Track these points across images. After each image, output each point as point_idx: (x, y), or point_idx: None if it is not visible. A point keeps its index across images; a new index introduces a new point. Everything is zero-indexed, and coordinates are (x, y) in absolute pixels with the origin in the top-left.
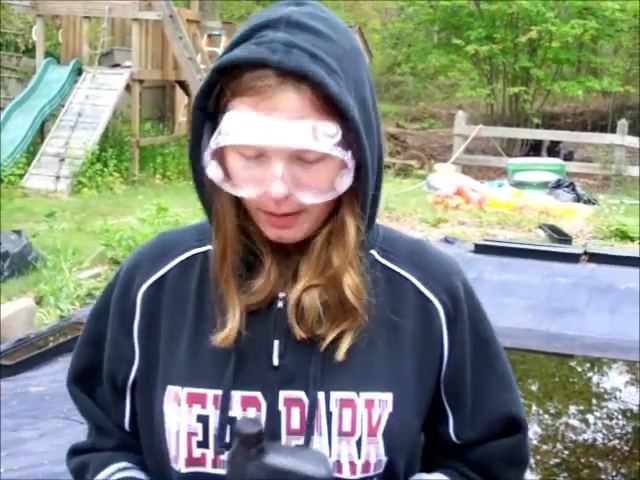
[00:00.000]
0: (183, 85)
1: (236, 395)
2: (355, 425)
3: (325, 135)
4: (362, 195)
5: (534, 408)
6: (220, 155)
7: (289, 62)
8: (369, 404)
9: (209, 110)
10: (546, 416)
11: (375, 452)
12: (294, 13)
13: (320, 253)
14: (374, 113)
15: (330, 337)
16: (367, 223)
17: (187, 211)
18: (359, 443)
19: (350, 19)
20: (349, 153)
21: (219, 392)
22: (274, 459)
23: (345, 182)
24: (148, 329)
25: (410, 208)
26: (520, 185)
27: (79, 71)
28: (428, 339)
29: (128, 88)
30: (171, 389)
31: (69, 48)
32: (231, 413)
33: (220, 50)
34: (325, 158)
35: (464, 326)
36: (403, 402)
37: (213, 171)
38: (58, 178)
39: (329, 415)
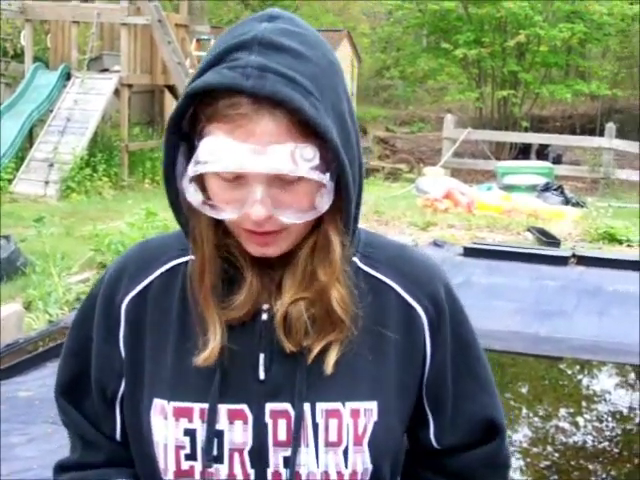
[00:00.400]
0: (172, 90)
1: (222, 408)
2: (341, 435)
3: (303, 159)
4: (345, 213)
5: (524, 411)
6: (199, 178)
7: (263, 88)
8: (354, 414)
9: (183, 130)
10: (536, 419)
11: (362, 461)
12: (267, 32)
13: (305, 266)
14: (353, 128)
15: (317, 349)
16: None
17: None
18: (346, 453)
19: (339, 23)
20: (327, 175)
21: (205, 406)
22: None
23: (325, 201)
24: (133, 340)
25: (399, 212)
26: (509, 188)
27: (68, 76)
28: (411, 346)
29: (117, 93)
30: (157, 402)
31: (58, 53)
32: (218, 426)
33: None
34: (304, 178)
35: (446, 331)
36: (387, 410)
37: (192, 195)
38: (47, 183)
39: (315, 426)
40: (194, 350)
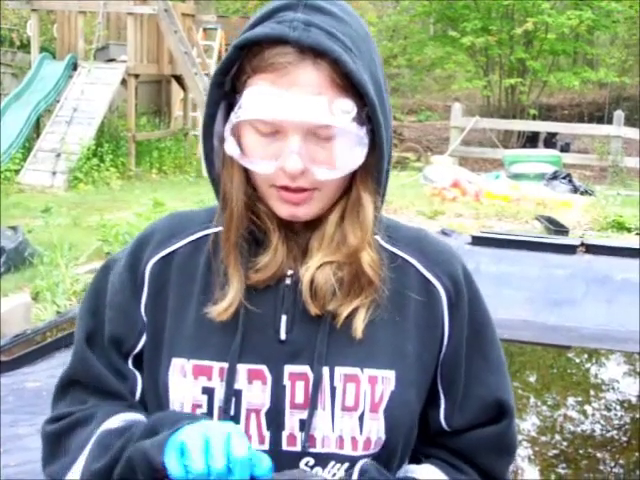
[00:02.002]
0: (179, 79)
1: (242, 368)
2: (358, 400)
3: (342, 111)
4: (378, 171)
5: (532, 399)
6: (236, 132)
7: (308, 39)
8: (372, 380)
9: (226, 89)
10: (544, 407)
11: (376, 429)
12: None
13: (334, 231)
14: (386, 92)
15: (344, 313)
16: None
17: (184, 205)
18: (361, 419)
19: None
20: (364, 129)
21: (225, 365)
22: None
23: (359, 158)
24: (155, 303)
25: (407, 200)
26: (517, 177)
27: (74, 66)
28: (430, 321)
29: (124, 83)
30: (177, 361)
31: (64, 43)
32: (236, 386)
33: (216, 44)
34: (340, 135)
35: (464, 311)
36: (405, 381)
37: (231, 147)
38: (54, 173)
39: (333, 390)
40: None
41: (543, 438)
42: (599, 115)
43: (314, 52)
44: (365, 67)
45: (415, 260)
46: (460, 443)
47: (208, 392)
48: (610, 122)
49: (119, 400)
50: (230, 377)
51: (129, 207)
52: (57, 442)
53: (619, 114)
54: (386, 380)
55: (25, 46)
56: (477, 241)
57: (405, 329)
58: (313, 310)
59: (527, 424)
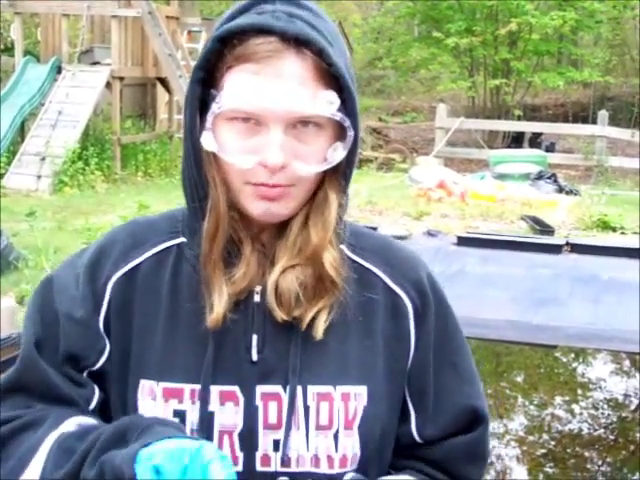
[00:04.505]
0: (164, 82)
1: (214, 390)
2: (332, 418)
3: (326, 101)
4: (349, 168)
5: (520, 399)
6: (213, 127)
7: (293, 28)
8: (345, 397)
9: (205, 83)
10: (532, 407)
11: (351, 446)
12: None
13: (298, 233)
14: (356, 92)
15: (309, 316)
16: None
17: (169, 207)
18: (336, 437)
19: (330, 14)
20: (348, 121)
21: (196, 386)
22: None
23: (339, 154)
24: (119, 322)
25: (392, 202)
26: (502, 177)
27: (59, 69)
28: (397, 333)
29: (108, 86)
30: (145, 383)
31: (48, 46)
32: (209, 407)
33: (199, 46)
34: (320, 130)
35: (430, 321)
36: (376, 396)
37: (209, 141)
38: (39, 177)
39: (306, 409)
40: (184, 331)
41: (530, 438)
42: (584, 115)
43: (298, 42)
44: (340, 55)
45: (381, 271)
46: (434, 453)
47: (179, 415)
48: (594, 122)
49: (70, 406)
50: (204, 398)
51: (114, 210)
52: (4, 445)
53: (603, 114)
54: (358, 396)
55: (9, 49)
56: (463, 242)
57: (373, 343)
58: (280, 317)
59: (514, 424)
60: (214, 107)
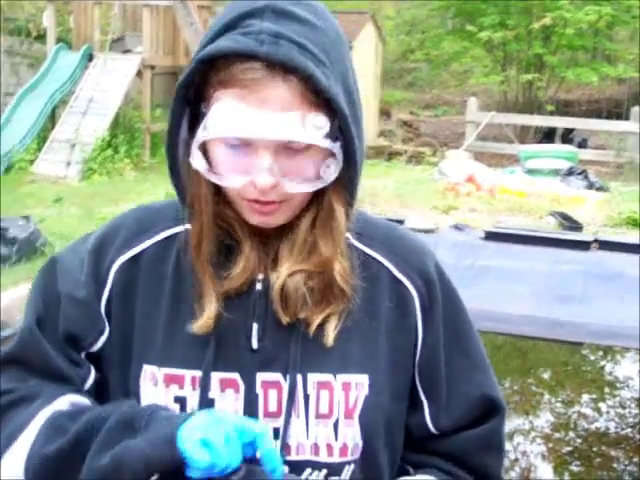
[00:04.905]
0: None
1: (215, 377)
2: (332, 407)
3: (314, 126)
4: (351, 183)
5: (546, 396)
6: (204, 144)
7: (277, 54)
8: (345, 386)
9: (189, 98)
10: (557, 404)
11: (352, 435)
12: (279, 1)
13: (305, 238)
14: (358, 99)
15: (316, 321)
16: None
17: None
18: (336, 426)
19: (363, 6)
20: (337, 144)
21: (197, 373)
22: None
23: (332, 171)
24: (121, 306)
25: (421, 195)
26: (532, 172)
27: (90, 57)
28: (403, 324)
29: (139, 74)
30: (147, 369)
31: (80, 34)
32: (209, 395)
33: None
34: (312, 147)
35: (438, 311)
36: (378, 385)
37: (198, 162)
38: (68, 164)
39: (306, 397)
40: (187, 318)
41: (556, 435)
42: (618, 111)
43: (284, 68)
44: (337, 78)
45: (387, 260)
46: (450, 446)
47: (180, 401)
48: (628, 118)
49: (65, 384)
50: (204, 385)
51: (142, 198)
52: None
53: (636, 110)
54: (359, 385)
55: (41, 37)
56: (490, 236)
57: (377, 333)
58: (284, 319)
59: (540, 421)
60: (199, 134)
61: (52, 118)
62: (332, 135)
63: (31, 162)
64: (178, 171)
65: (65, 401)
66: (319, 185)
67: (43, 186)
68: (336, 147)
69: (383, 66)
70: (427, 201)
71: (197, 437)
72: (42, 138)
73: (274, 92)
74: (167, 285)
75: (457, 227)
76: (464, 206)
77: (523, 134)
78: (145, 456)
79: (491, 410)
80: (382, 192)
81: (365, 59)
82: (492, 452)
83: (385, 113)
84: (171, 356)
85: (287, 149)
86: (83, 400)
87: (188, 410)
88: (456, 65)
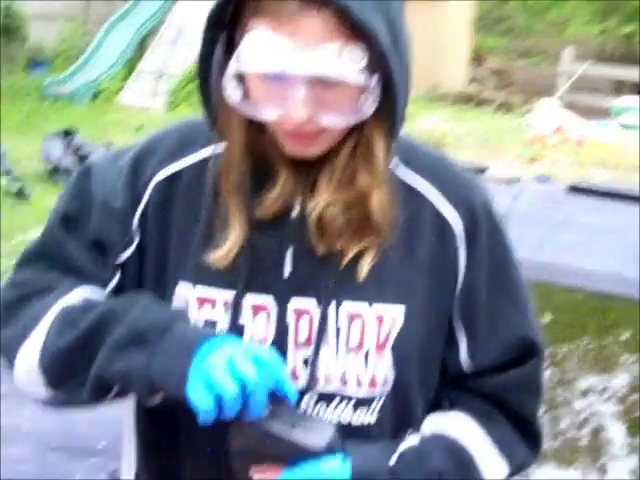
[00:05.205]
0: None
1: (247, 301)
2: (363, 339)
3: (350, 59)
4: (392, 117)
5: (623, 357)
6: (239, 74)
7: None
8: (379, 317)
9: (224, 22)
10: (636, 366)
11: (382, 367)
12: None
13: (344, 168)
14: (402, 29)
15: (351, 253)
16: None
17: None
18: (366, 357)
19: None
20: (375, 77)
21: (229, 297)
22: (271, 425)
23: (370, 105)
24: (157, 223)
25: (507, 144)
26: (625, 127)
27: None
28: (443, 256)
29: None
30: (182, 285)
31: None
32: (240, 320)
33: None
34: (348, 83)
35: (482, 245)
36: (414, 316)
37: (232, 92)
38: (155, 94)
39: (338, 328)
40: (220, 244)
41: (632, 397)
42: None
43: (318, 0)
44: (376, 8)
45: (431, 191)
46: (487, 385)
47: (210, 324)
48: None
49: (87, 281)
50: (235, 309)
51: None
52: (14, 308)
53: None
54: (395, 315)
55: None
56: (574, 190)
57: (415, 263)
58: (320, 248)
59: (617, 381)
60: (232, 64)
61: (141, 48)
62: (371, 68)
63: (118, 91)
64: (209, 97)
65: (76, 296)
66: (355, 119)
67: (128, 115)
68: (372, 81)
69: (479, 12)
70: (513, 150)
71: (204, 377)
72: (130, 68)
73: (308, 23)
74: (203, 207)
75: (541, 179)
76: (550, 157)
77: (619, 87)
78: (150, 380)
79: (529, 352)
80: (467, 138)
81: (458, 4)
82: (530, 394)
83: (477, 59)
84: (206, 276)
85: (322, 82)
86: (95, 295)
87: (218, 332)
88: (554, 14)
